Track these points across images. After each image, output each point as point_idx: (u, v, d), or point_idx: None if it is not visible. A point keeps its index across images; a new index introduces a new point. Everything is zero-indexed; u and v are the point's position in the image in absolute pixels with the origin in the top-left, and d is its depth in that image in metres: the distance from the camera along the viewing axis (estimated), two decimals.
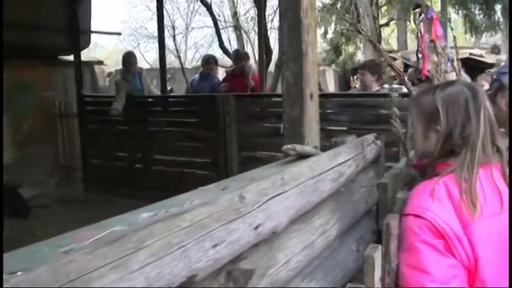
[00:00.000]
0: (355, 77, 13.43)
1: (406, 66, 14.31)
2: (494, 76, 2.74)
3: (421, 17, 4.81)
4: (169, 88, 9.04)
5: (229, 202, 1.35)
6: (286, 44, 2.09)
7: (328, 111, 5.69)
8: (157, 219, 1.16)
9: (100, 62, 10.46)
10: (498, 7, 15.47)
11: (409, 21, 18.22)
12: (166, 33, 9.93)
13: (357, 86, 10.34)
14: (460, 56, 11.89)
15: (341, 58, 19.13)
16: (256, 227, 1.45)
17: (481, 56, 15.75)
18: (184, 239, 1.16)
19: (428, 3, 4.85)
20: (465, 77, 6.04)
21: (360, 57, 17.79)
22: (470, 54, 15.13)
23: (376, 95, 5.52)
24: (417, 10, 4.90)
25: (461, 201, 1.47)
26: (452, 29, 7.34)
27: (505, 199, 1.53)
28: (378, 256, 2.14)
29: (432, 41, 5.03)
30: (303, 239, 1.80)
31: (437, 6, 11.39)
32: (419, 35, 4.94)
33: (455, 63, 7.43)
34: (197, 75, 8.12)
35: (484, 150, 1.55)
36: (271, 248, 1.63)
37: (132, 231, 1.05)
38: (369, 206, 2.47)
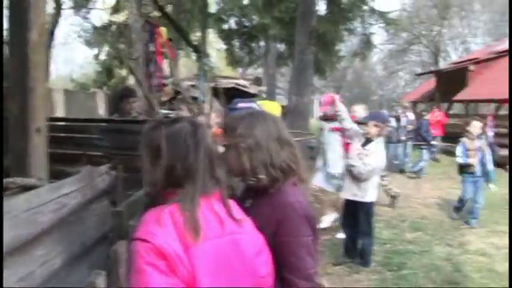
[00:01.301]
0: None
1: (177, 93, 14.79)
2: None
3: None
4: None
5: None
6: (12, 78, 2.12)
7: (93, 136, 5.65)
8: None
9: None
10: (260, 45, 16.97)
11: (181, 49, 18.93)
12: None
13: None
14: (226, 86, 12.77)
15: (113, 81, 18.88)
16: None
17: (245, 86, 17.01)
18: None
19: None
20: (217, 106, 6.57)
21: (132, 80, 17.83)
22: (236, 84, 16.23)
23: (134, 121, 5.64)
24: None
25: (184, 228, 1.63)
26: (205, 64, 7.97)
27: (226, 224, 1.74)
28: (100, 281, 2.27)
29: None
30: (20, 271, 1.84)
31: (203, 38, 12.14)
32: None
33: (207, 96, 8.02)
34: None
35: (204, 182, 1.74)
36: None
37: None
38: (101, 233, 2.58)
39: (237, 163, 2.06)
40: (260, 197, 2.07)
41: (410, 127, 13.28)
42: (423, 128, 12.79)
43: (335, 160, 6.77)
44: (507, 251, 6.30)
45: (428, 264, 5.68)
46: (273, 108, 4.13)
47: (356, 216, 5.59)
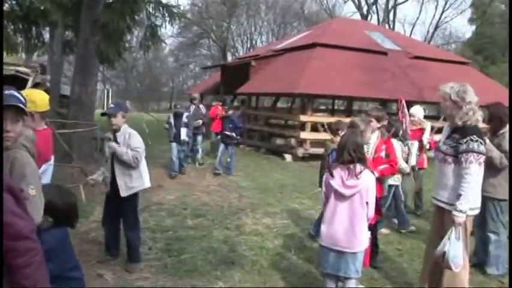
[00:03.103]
0: None
1: None
2: None
3: None
4: None
5: None
6: None
7: None
8: None
9: None
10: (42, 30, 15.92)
11: None
12: None
13: None
14: (7, 73, 11.77)
15: None
16: None
17: (27, 74, 15.90)
18: None
19: None
20: None
21: None
22: (16, 71, 15.10)
23: None
24: None
25: None
26: None
27: None
28: None
29: None
30: None
31: None
32: None
33: None
34: None
35: None
36: None
37: None
38: None
39: None
40: None
41: (200, 122, 12.71)
42: (234, 123, 11.77)
43: None
44: (277, 229, 6.96)
45: (207, 248, 6.00)
46: (40, 97, 3.98)
47: (120, 211, 5.43)
